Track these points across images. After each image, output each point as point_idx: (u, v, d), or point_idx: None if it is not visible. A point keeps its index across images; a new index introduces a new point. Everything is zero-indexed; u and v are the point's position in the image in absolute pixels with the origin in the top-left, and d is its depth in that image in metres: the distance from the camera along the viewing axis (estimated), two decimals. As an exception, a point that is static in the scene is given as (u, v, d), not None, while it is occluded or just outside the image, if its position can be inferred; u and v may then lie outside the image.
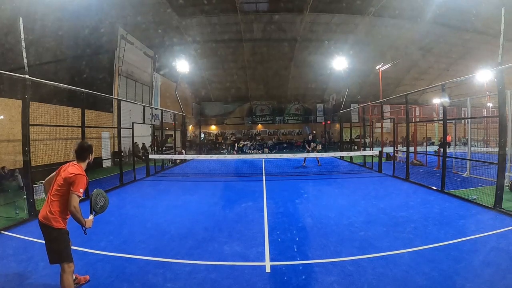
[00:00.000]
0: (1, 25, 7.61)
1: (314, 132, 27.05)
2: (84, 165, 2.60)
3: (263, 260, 3.30)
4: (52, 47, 9.51)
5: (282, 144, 24.92)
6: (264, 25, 17.93)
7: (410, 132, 9.89)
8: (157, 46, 18.15)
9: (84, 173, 2.51)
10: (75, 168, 2.47)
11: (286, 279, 2.89)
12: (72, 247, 3.56)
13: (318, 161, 12.66)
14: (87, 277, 2.88)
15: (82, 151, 2.59)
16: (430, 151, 13.09)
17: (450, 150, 10.06)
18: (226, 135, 26.77)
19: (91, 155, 2.65)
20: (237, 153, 14.52)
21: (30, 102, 5.24)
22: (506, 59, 5.14)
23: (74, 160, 2.60)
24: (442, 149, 7.66)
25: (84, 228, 2.44)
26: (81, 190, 2.39)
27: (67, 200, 2.36)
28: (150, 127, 14.24)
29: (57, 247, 2.42)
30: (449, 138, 12.96)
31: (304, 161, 12.61)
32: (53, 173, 2.60)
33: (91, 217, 2.51)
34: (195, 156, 14.69)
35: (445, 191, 6.53)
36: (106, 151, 12.62)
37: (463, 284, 2.69)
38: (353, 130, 16.99)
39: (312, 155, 12.13)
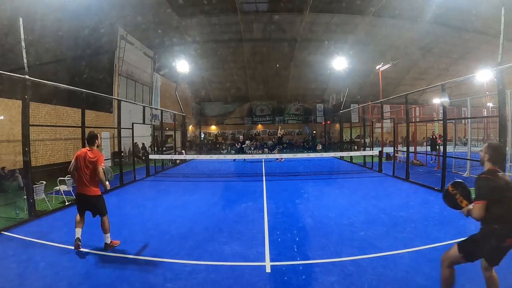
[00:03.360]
0: (1, 25, 7.61)
1: (314, 132, 27.10)
2: (95, 148, 3.74)
3: (263, 260, 3.30)
4: (52, 47, 9.50)
5: (282, 144, 24.86)
6: (264, 25, 17.91)
7: (410, 132, 9.89)
8: (157, 46, 18.13)
9: (101, 153, 3.77)
10: (93, 152, 3.64)
11: (286, 279, 2.89)
12: (72, 247, 3.55)
13: (280, 159, 13.91)
14: (118, 242, 3.76)
15: (91, 138, 3.75)
16: (429, 151, 13.07)
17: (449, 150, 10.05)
18: (253, 134, 26.12)
19: (97, 140, 3.77)
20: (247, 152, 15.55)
21: (30, 102, 5.24)
22: (506, 59, 5.15)
23: (86, 147, 3.75)
24: (441, 149, 7.66)
25: (106, 188, 3.84)
26: (103, 164, 3.66)
27: (95, 174, 3.60)
28: (150, 127, 14.25)
29: (101, 207, 3.68)
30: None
31: (282, 160, 13.98)
32: (73, 162, 3.62)
33: (107, 182, 3.80)
34: (195, 156, 14.68)
35: (445, 191, 6.51)
36: (106, 151, 12.61)
37: (463, 284, 2.68)
38: (353, 130, 16.99)
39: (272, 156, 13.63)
